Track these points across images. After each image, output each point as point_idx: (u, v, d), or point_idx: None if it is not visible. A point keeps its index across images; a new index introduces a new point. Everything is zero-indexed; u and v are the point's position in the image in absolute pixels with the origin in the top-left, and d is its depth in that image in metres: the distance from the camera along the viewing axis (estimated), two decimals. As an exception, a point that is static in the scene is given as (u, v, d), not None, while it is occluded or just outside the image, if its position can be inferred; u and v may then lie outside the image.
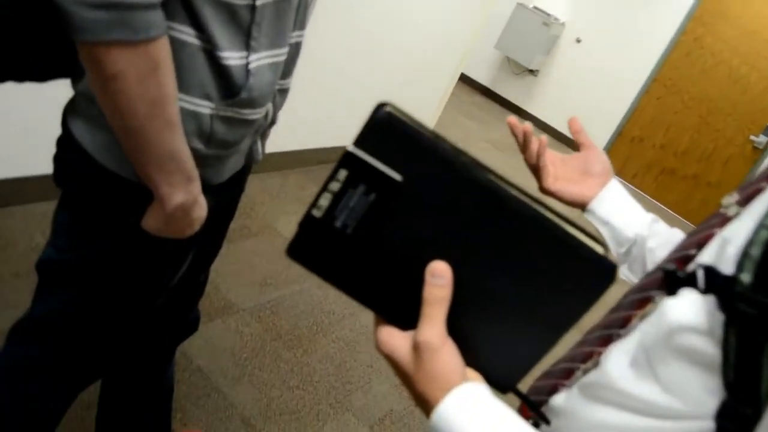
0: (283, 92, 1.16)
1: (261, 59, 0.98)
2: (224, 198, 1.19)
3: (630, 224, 0.88)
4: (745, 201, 0.59)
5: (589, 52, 6.82)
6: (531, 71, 7.10)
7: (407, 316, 0.54)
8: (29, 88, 1.06)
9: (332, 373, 2.33)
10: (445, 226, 0.50)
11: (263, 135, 1.20)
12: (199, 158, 0.97)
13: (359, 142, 0.48)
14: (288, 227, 3.00)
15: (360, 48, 3.42)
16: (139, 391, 1.53)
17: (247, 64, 0.96)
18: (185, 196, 0.94)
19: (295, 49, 1.10)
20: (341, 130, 3.69)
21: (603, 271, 0.50)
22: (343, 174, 0.49)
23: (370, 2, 3.26)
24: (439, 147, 0.49)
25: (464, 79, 7.33)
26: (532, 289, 0.51)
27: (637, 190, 6.66)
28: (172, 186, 0.92)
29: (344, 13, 3.15)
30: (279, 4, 0.97)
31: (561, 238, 0.50)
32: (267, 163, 3.28)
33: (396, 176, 0.49)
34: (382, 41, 3.54)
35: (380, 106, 0.48)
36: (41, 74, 1.00)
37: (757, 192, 0.58)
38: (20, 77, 0.99)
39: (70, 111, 1.01)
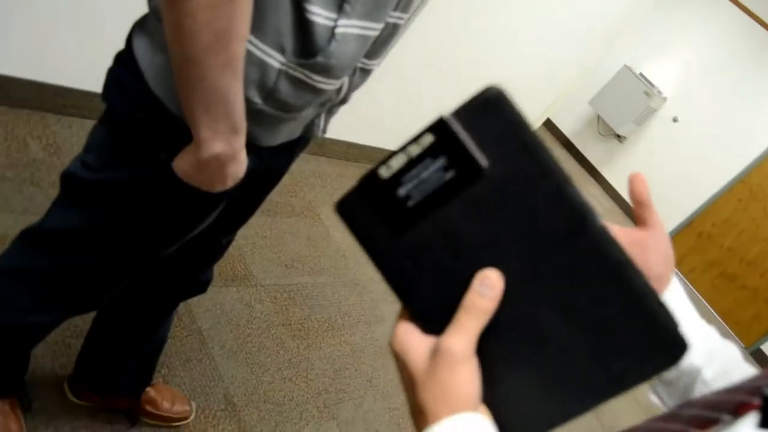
0: (365, 72, 1.06)
1: (350, 26, 0.89)
2: (270, 164, 1.11)
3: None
4: None
5: (683, 133, 6.57)
6: (618, 136, 6.89)
7: (438, 318, 0.45)
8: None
9: (329, 376, 2.24)
10: (516, 235, 0.43)
11: (330, 111, 1.11)
12: (253, 113, 0.90)
13: (459, 113, 0.44)
14: (331, 216, 2.92)
15: (446, 63, 3.34)
16: (128, 334, 1.47)
17: (335, 27, 0.87)
18: (224, 147, 0.87)
19: (392, 31, 1.00)
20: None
21: (675, 345, 0.43)
22: (428, 139, 0.44)
23: (468, 18, 3.17)
24: (540, 147, 0.42)
25: (548, 126, 7.17)
26: (587, 339, 0.43)
27: (690, 286, 6.39)
28: (213, 132, 0.85)
29: (438, 24, 3.07)
30: None
31: (641, 294, 0.42)
32: (329, 148, 3.22)
33: (483, 161, 0.43)
34: (470, 60, 3.44)
35: (491, 87, 0.44)
36: None
37: None
38: None
39: (137, 26, 0.96)
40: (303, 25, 0.85)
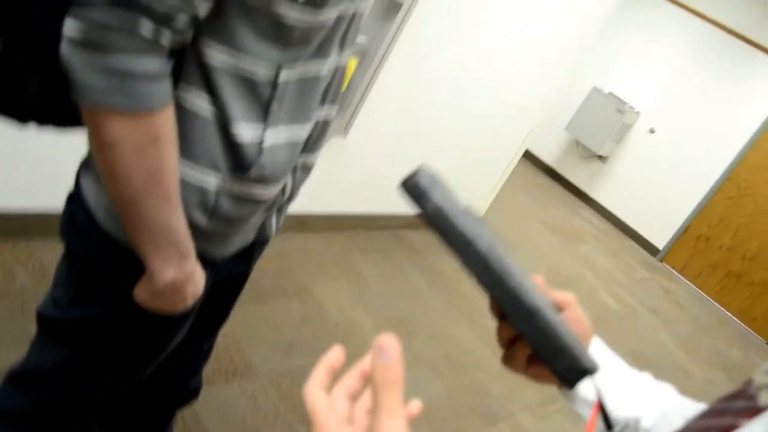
0: (307, 168, 1.11)
1: (278, 136, 0.93)
2: (229, 273, 1.15)
3: (620, 403, 0.73)
4: None
5: (662, 143, 6.66)
6: (600, 157, 6.98)
7: None
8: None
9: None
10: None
11: (280, 210, 1.15)
12: (200, 232, 0.94)
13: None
14: (325, 292, 2.96)
15: (421, 113, 3.42)
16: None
17: (261, 141, 0.91)
18: (177, 273, 0.91)
19: (323, 126, 1.06)
20: (392, 198, 3.68)
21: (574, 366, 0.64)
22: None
23: (436, 66, 3.27)
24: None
25: (529, 157, 7.26)
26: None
27: (699, 290, 6.37)
28: (163, 261, 0.89)
29: (408, 77, 3.16)
30: (304, 83, 0.94)
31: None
32: (311, 223, 3.27)
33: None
34: (446, 107, 3.53)
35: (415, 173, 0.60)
36: (60, 120, 0.96)
37: None
38: (42, 120, 0.95)
39: (83, 165, 1.00)
40: (231, 144, 0.89)
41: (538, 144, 7.16)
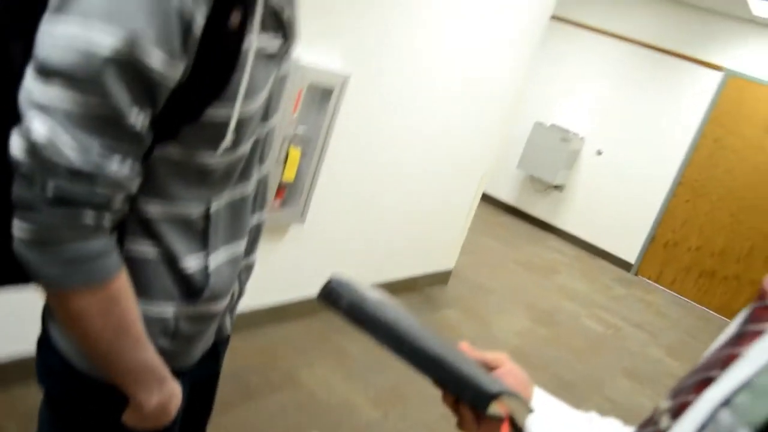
0: (249, 268, 1.19)
1: (220, 257, 1.02)
2: (199, 376, 1.22)
3: None
4: (677, 412, 0.55)
5: (612, 162, 6.89)
6: (556, 187, 7.18)
7: None
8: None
9: None
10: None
11: (231, 310, 1.22)
12: (167, 353, 1.01)
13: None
14: (313, 377, 2.99)
15: (373, 186, 3.54)
16: None
17: (207, 266, 1.00)
18: (160, 397, 0.98)
19: (256, 231, 1.16)
20: (361, 272, 3.76)
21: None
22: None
23: (377, 138, 3.40)
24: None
25: (489, 200, 7.43)
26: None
27: (678, 295, 6.50)
28: (146, 391, 0.96)
29: (352, 154, 3.28)
30: (234, 205, 1.03)
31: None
32: (288, 311, 3.33)
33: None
34: (396, 173, 3.65)
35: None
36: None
37: (684, 406, 0.55)
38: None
39: (48, 313, 1.05)
40: (181, 276, 0.98)
41: (494, 186, 7.35)
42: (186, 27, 0.78)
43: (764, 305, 0.51)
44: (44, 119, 0.74)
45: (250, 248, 1.16)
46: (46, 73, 0.74)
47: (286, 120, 2.67)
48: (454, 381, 0.76)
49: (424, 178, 3.90)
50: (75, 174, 0.76)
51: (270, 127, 1.08)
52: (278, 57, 0.99)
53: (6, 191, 0.80)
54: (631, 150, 6.77)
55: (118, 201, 0.83)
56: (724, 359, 0.52)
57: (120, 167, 0.80)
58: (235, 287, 1.15)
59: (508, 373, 0.83)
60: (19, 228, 0.79)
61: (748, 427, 0.43)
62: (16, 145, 0.76)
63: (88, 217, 0.79)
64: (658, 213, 6.67)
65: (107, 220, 0.82)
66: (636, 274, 6.78)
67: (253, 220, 1.14)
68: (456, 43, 3.56)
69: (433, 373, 0.76)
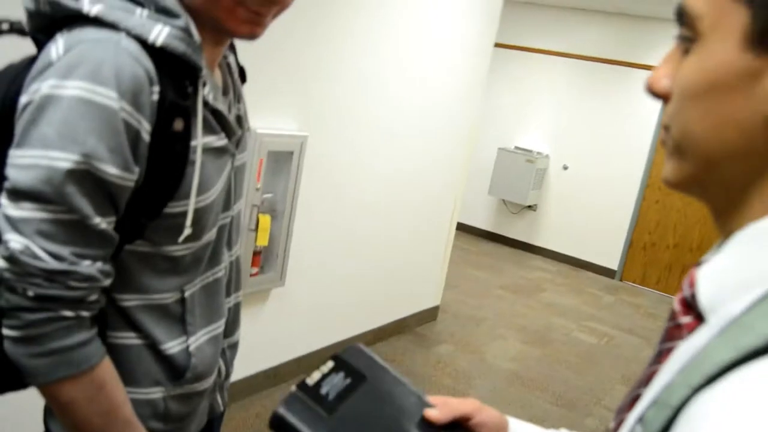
0: (233, 346, 1.26)
1: (200, 339, 1.09)
2: None
3: None
4: (615, 431, 0.59)
5: (579, 175, 7.04)
6: (529, 207, 7.30)
7: None
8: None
9: None
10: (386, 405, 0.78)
11: (221, 387, 1.27)
12: None
13: (346, 351, 0.80)
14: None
15: (346, 237, 3.60)
16: None
17: (187, 347, 1.07)
18: None
19: (235, 311, 1.23)
20: (353, 321, 3.81)
21: None
22: (331, 364, 0.77)
23: (345, 190, 3.48)
24: (375, 371, 0.80)
25: (466, 229, 7.52)
26: None
27: (664, 294, 6.59)
28: None
29: (321, 211, 3.35)
30: (207, 289, 1.10)
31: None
32: (283, 373, 3.35)
33: (365, 373, 0.78)
34: (368, 221, 3.73)
35: (352, 347, 0.81)
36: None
37: (620, 424, 0.59)
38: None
39: (48, 410, 1.10)
40: (164, 360, 1.05)
41: (469, 215, 7.45)
42: (134, 139, 0.89)
43: (676, 324, 0.55)
44: (19, 235, 0.85)
45: (232, 328, 1.23)
46: (16, 194, 0.85)
47: (251, 190, 2.75)
48: None
49: (397, 219, 3.98)
50: (50, 276, 0.85)
51: (234, 214, 1.16)
52: (229, 151, 1.08)
53: None
54: (595, 160, 6.93)
55: (93, 296, 0.91)
56: (647, 377, 0.57)
57: (90, 268, 0.88)
58: (221, 366, 1.21)
59: (481, 425, 0.86)
60: (7, 329, 0.88)
61: None
62: None
63: (67, 312, 0.88)
64: (632, 217, 6.80)
65: (84, 313, 0.91)
66: (620, 280, 6.87)
67: (230, 301, 1.21)
68: (407, 81, 3.69)
69: None
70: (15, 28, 0.96)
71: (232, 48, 1.18)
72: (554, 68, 7.10)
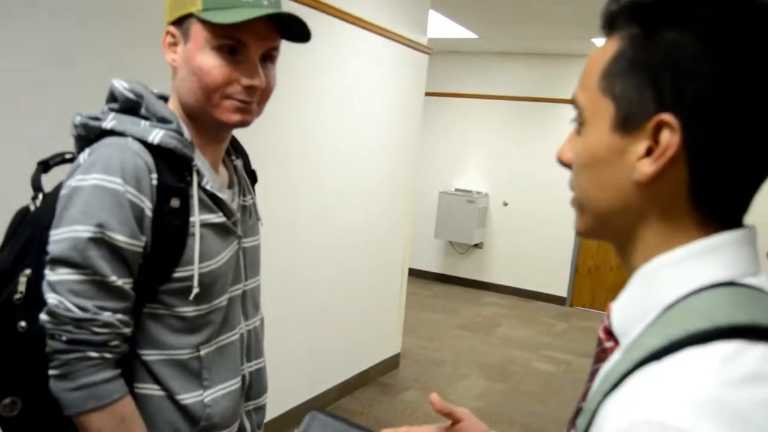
0: (259, 409, 1.39)
1: (215, 392, 1.23)
2: None
3: None
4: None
5: (519, 209, 7.30)
6: (476, 245, 7.48)
7: None
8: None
9: None
10: None
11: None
12: None
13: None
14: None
15: (303, 302, 3.65)
16: None
17: (203, 399, 1.21)
18: None
19: (257, 375, 1.38)
20: (316, 380, 3.82)
21: None
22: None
23: (297, 246, 3.54)
24: None
25: (418, 274, 7.64)
26: None
27: (615, 315, 6.79)
28: None
29: (280, 267, 3.40)
30: (222, 350, 1.25)
31: None
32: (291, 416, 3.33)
33: None
34: (323, 272, 3.79)
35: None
36: None
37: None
38: None
39: None
40: (182, 409, 1.19)
41: (419, 260, 7.57)
42: (138, 214, 1.12)
43: (602, 348, 0.69)
44: (56, 294, 1.08)
45: (257, 391, 1.38)
46: (53, 263, 1.09)
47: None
48: None
49: (350, 272, 4.06)
50: (79, 324, 1.07)
51: (248, 288, 1.35)
52: (234, 233, 1.27)
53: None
54: (532, 192, 7.20)
55: (115, 342, 1.11)
56: (584, 393, 0.71)
57: (110, 317, 1.09)
58: (247, 426, 1.34)
59: (470, 427, 0.99)
60: (51, 369, 1.08)
61: None
62: (42, 315, 1.08)
63: (93, 353, 1.08)
64: (574, 244, 7.05)
65: (108, 355, 1.10)
66: (571, 306, 7.08)
67: (251, 367, 1.35)
68: (348, 134, 3.83)
69: None
70: (73, 158, 1.23)
71: (244, 154, 1.43)
72: (483, 110, 7.41)
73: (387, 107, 4.22)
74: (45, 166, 1.24)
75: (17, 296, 1.12)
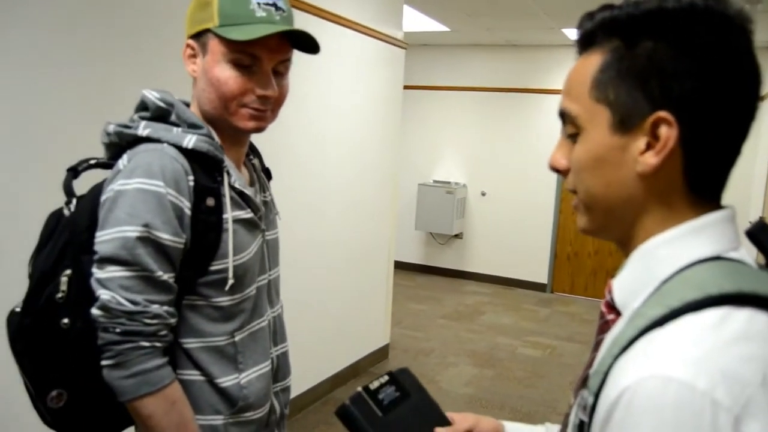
0: (285, 390, 1.49)
1: (250, 375, 1.33)
2: None
3: None
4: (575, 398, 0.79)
5: (497, 199, 7.40)
6: (456, 236, 7.57)
7: None
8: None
9: None
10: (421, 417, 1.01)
11: (279, 426, 1.49)
12: None
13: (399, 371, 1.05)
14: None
15: (296, 283, 3.69)
16: None
17: (239, 381, 1.31)
18: None
19: (283, 358, 1.47)
20: (309, 371, 3.86)
21: None
22: (386, 378, 1.00)
23: (287, 240, 3.57)
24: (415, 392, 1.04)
25: (401, 266, 7.70)
26: None
27: (593, 299, 6.95)
28: None
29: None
30: (254, 335, 1.36)
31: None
32: None
33: (410, 391, 1.02)
34: (311, 266, 3.83)
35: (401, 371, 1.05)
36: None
37: (576, 395, 0.79)
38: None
39: (136, 428, 1.30)
40: (221, 392, 1.29)
41: (401, 252, 7.63)
42: (179, 214, 1.21)
43: (604, 321, 0.78)
44: (107, 290, 1.15)
45: (284, 373, 1.48)
46: (102, 261, 1.17)
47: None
48: None
49: (338, 266, 4.11)
50: (131, 317, 1.15)
51: (272, 278, 1.45)
52: (259, 227, 1.37)
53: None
54: (510, 182, 7.30)
55: (163, 331, 1.20)
56: (590, 361, 0.79)
57: (159, 309, 1.18)
58: (276, 405, 1.44)
59: (484, 426, 1.04)
60: (104, 360, 1.16)
61: (591, 395, 0.68)
62: (94, 310, 1.16)
63: (145, 343, 1.17)
64: (552, 231, 7.17)
65: (158, 344, 1.19)
66: (552, 292, 7.20)
67: (278, 350, 1.46)
68: (333, 131, 3.88)
69: None
70: (99, 163, 1.33)
71: (258, 154, 1.52)
72: (458, 102, 7.48)
73: (368, 102, 4.27)
74: (74, 172, 1.31)
75: (59, 295, 1.20)
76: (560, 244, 7.18)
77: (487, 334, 5.67)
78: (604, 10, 0.73)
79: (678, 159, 0.69)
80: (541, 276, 7.25)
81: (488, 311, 6.38)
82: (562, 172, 0.79)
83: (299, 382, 3.78)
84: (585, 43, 0.75)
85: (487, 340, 5.49)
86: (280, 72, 1.31)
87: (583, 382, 0.78)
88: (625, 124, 0.70)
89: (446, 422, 1.01)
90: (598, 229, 0.79)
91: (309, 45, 1.30)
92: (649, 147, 0.69)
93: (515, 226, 7.31)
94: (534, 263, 7.27)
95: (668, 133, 0.68)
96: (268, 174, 1.55)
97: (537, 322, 6.13)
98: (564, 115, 0.77)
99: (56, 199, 1.30)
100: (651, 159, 0.69)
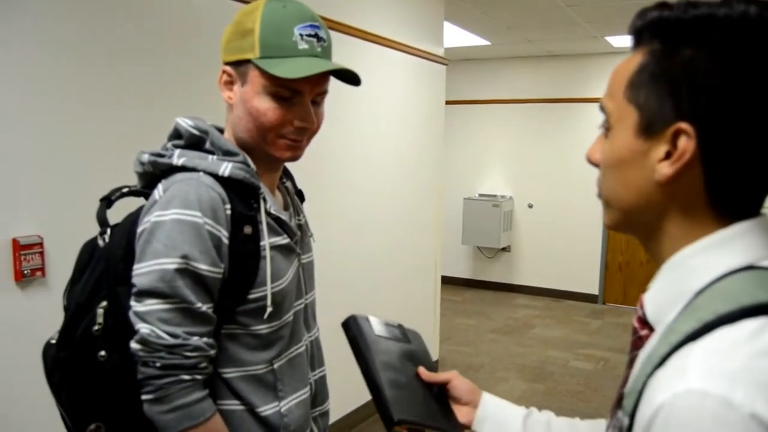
0: (324, 414, 1.48)
1: (290, 402, 1.32)
2: None
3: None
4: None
5: (545, 210, 7.32)
6: (503, 249, 7.51)
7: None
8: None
9: None
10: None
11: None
12: None
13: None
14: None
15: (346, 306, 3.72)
16: None
17: (279, 409, 1.30)
18: None
19: (321, 382, 1.46)
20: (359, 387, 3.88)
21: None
22: (394, 321, 1.23)
23: (335, 260, 3.62)
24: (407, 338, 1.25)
25: (448, 281, 7.68)
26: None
27: (648, 310, 6.78)
28: None
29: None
30: (292, 361, 1.34)
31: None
32: None
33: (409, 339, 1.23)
34: (367, 274, 3.86)
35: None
36: None
37: (613, 416, 0.78)
38: None
39: None
40: (262, 420, 1.27)
41: (448, 267, 7.62)
42: (217, 243, 1.19)
43: (638, 337, 0.78)
44: (146, 323, 1.13)
45: (322, 397, 1.47)
46: (141, 295, 1.15)
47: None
48: (377, 402, 1.03)
49: (383, 285, 4.13)
50: (171, 350, 1.13)
51: (308, 302, 1.44)
52: (295, 251, 1.36)
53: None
54: (557, 193, 7.22)
55: (203, 363, 1.18)
56: (625, 379, 0.78)
57: (198, 341, 1.16)
58: (314, 430, 1.43)
59: (456, 387, 1.14)
60: (144, 395, 1.14)
61: (626, 416, 0.67)
62: (133, 344, 1.14)
63: (185, 376, 1.15)
64: (602, 241, 7.06)
65: (199, 377, 1.17)
66: (603, 303, 7.08)
67: (316, 375, 1.45)
68: (381, 152, 3.93)
69: (371, 393, 1.05)
70: (131, 191, 1.31)
71: (290, 176, 1.51)
72: (502, 115, 7.46)
73: (410, 119, 4.31)
74: (108, 201, 1.29)
75: (96, 327, 1.19)
76: (611, 254, 7.06)
77: (538, 347, 5.60)
78: (657, 9, 0.71)
79: (698, 172, 0.68)
80: (592, 287, 7.13)
81: (538, 324, 6.31)
82: (596, 165, 0.80)
83: (339, 407, 3.81)
84: (635, 41, 0.74)
85: (537, 353, 5.43)
86: (317, 102, 1.29)
87: (618, 402, 0.78)
88: (649, 129, 0.70)
89: (434, 369, 1.15)
90: (620, 226, 0.78)
91: (351, 77, 1.28)
92: (668, 156, 0.69)
93: (564, 237, 7.22)
94: (584, 274, 7.16)
95: (685, 146, 0.67)
96: (301, 196, 1.54)
97: (589, 334, 6.03)
98: (602, 110, 0.78)
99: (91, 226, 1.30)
100: (666, 168, 0.69)
